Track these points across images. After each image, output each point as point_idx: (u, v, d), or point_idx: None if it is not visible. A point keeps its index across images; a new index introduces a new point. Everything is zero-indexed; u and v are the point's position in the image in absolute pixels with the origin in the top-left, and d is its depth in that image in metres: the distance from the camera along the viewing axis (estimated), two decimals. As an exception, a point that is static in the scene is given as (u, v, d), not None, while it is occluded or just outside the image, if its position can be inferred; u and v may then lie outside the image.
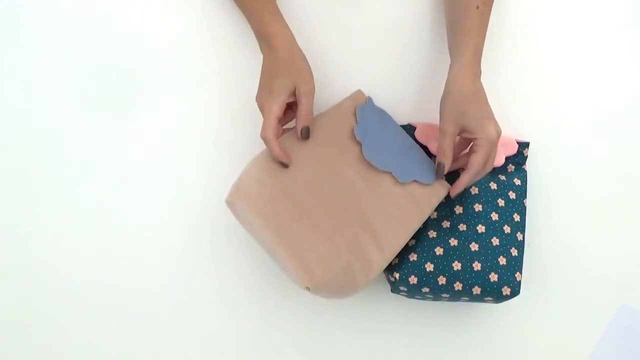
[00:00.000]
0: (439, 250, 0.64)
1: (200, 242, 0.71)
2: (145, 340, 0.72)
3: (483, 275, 0.63)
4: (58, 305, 0.72)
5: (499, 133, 0.60)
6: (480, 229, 0.65)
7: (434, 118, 0.71)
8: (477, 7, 0.62)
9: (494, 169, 0.68)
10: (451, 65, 0.63)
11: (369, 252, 0.60)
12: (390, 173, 0.64)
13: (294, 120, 0.63)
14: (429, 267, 0.63)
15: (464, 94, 0.60)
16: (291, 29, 0.64)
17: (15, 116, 0.71)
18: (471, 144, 0.62)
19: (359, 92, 0.68)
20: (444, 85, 0.62)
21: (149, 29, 0.70)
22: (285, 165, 0.60)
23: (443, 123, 0.61)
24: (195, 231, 0.71)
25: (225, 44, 0.70)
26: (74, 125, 0.71)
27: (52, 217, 0.72)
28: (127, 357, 0.72)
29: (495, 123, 0.61)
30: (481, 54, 0.63)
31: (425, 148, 0.69)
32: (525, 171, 0.69)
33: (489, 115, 0.61)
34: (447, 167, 0.62)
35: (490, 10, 0.64)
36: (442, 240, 0.64)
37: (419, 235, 0.65)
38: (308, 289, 0.58)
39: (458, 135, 0.62)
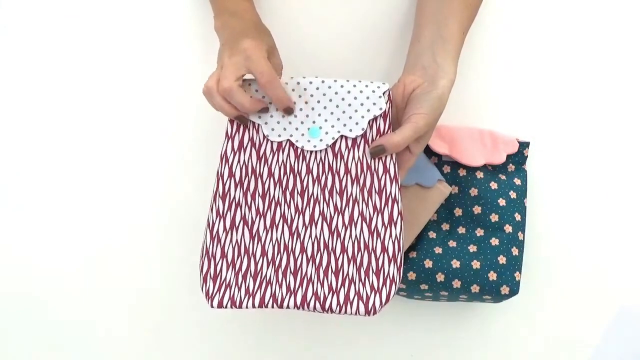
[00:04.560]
0: (438, 250, 0.64)
1: (200, 242, 0.71)
2: (144, 340, 0.73)
3: (482, 273, 0.63)
4: (58, 305, 0.73)
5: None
6: (479, 232, 0.65)
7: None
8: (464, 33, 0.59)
9: (495, 168, 0.69)
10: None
11: None
12: None
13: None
14: (428, 263, 0.63)
15: None
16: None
17: (12, 114, 0.72)
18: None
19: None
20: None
21: (147, 28, 0.72)
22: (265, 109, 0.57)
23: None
24: (197, 230, 0.71)
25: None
26: (73, 126, 0.72)
27: (52, 217, 0.72)
28: (127, 357, 0.73)
29: None
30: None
31: (426, 147, 0.69)
32: (526, 171, 0.69)
33: None
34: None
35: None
36: (441, 241, 0.65)
37: (419, 235, 0.66)
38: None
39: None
